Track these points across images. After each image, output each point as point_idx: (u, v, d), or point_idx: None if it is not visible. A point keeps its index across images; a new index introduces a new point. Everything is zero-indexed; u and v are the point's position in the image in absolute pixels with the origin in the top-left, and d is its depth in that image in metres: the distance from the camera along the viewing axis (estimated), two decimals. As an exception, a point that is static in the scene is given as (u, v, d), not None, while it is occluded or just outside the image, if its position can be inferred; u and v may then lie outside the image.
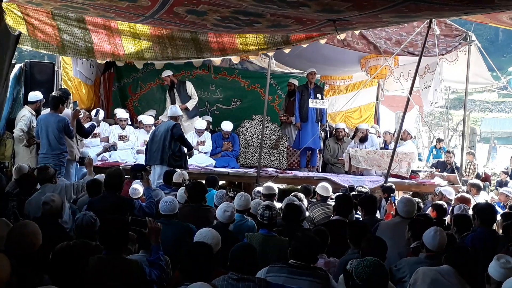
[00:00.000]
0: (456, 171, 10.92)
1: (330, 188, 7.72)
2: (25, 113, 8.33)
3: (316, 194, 7.82)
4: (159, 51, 8.65)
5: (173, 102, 11.38)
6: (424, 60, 10.44)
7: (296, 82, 12.44)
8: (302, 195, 7.45)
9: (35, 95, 8.51)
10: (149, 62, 10.10)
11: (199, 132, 10.78)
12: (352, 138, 12.17)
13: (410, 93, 9.88)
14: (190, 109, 11.44)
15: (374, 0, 5.16)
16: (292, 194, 7.55)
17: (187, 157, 9.27)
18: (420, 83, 12.01)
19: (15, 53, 5.77)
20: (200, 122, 10.94)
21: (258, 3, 5.62)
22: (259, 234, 5.08)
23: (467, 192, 8.98)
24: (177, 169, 8.18)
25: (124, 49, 8.58)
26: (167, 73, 11.46)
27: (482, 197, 9.04)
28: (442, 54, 10.57)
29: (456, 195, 8.44)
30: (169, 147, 8.89)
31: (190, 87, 11.49)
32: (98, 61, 9.36)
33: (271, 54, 9.69)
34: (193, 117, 11.49)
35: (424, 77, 11.87)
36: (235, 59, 10.28)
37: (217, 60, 9.56)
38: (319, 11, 5.93)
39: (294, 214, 5.81)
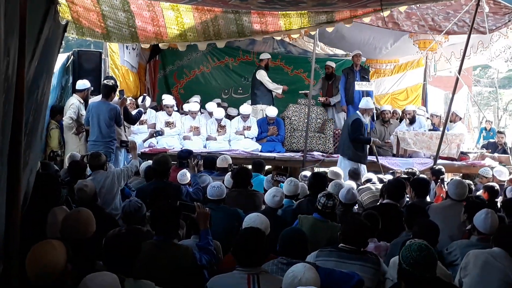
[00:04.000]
0: (508, 152, 10.65)
1: (341, 173, 7.76)
2: (74, 101, 8.46)
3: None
4: (201, 30, 8.66)
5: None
6: (477, 37, 10.19)
7: (333, 65, 12.30)
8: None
9: (83, 84, 8.63)
10: (191, 48, 10.19)
11: (244, 117, 10.80)
12: (400, 120, 11.99)
13: (459, 72, 9.63)
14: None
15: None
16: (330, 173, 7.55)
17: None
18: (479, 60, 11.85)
19: (63, 42, 5.84)
20: (245, 108, 10.95)
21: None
22: (312, 217, 5.01)
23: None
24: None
25: (167, 31, 8.61)
26: (266, 55, 11.90)
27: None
28: (492, 31, 10.26)
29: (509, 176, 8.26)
30: (350, 141, 9.04)
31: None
32: (142, 46, 9.40)
33: (314, 33, 9.56)
34: None
35: (483, 53, 11.60)
36: (277, 38, 10.17)
37: (258, 37, 9.53)
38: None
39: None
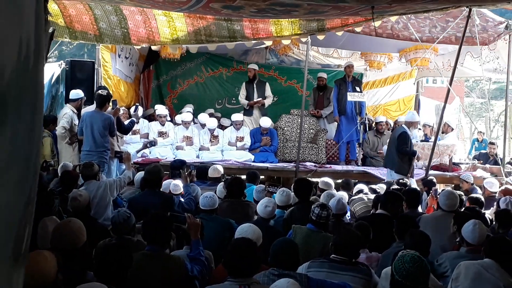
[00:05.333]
0: (499, 163, 10.70)
1: (332, 183, 7.77)
2: (67, 111, 8.46)
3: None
4: (193, 33, 8.70)
5: (250, 95, 11.71)
6: (465, 48, 10.27)
7: (325, 76, 12.32)
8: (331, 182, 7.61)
9: (77, 93, 8.64)
10: (186, 58, 10.19)
11: (237, 125, 10.81)
12: (392, 131, 12.04)
13: (451, 83, 9.69)
14: (266, 105, 11.71)
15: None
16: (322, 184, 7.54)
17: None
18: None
19: (56, 51, 5.87)
20: (237, 115, 10.99)
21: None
22: (306, 228, 5.01)
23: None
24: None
25: (160, 33, 8.64)
26: (254, 66, 11.98)
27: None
28: (485, 44, 10.36)
29: (500, 187, 8.29)
30: (397, 154, 9.14)
31: (268, 88, 11.83)
32: (135, 47, 9.40)
33: (304, 39, 9.57)
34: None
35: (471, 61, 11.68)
36: (268, 43, 10.18)
37: (248, 43, 9.58)
38: (358, 5, 5.89)
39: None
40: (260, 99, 11.71)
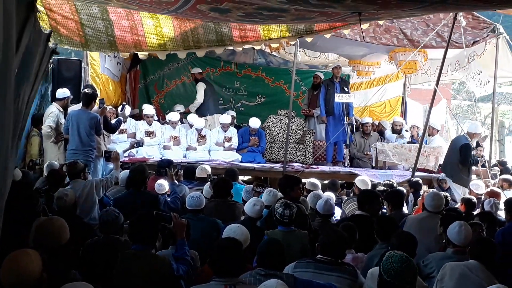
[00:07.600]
0: (486, 165, 10.76)
1: (369, 182, 7.72)
2: (53, 109, 8.40)
3: (354, 187, 7.96)
4: (180, 40, 8.64)
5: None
6: (454, 56, 10.29)
7: (322, 75, 12.38)
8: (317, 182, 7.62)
9: (63, 92, 8.57)
10: (173, 58, 10.20)
11: (224, 127, 10.78)
12: (378, 132, 12.10)
13: (437, 85, 9.74)
14: (192, 111, 11.64)
15: (400, 2, 5.09)
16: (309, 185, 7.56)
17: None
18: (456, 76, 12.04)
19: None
20: (225, 117, 10.94)
21: (283, 3, 5.58)
22: (278, 231, 4.94)
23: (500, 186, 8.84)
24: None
25: (146, 40, 8.57)
26: (196, 70, 12.13)
27: (515, 192, 8.89)
28: (470, 45, 10.40)
29: (486, 189, 8.34)
30: (457, 164, 9.16)
31: (198, 89, 11.87)
32: (122, 55, 9.37)
33: (293, 42, 9.58)
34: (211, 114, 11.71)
35: (457, 72, 11.74)
36: (257, 46, 10.17)
37: (238, 48, 9.56)
38: (344, 11, 5.91)
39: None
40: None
